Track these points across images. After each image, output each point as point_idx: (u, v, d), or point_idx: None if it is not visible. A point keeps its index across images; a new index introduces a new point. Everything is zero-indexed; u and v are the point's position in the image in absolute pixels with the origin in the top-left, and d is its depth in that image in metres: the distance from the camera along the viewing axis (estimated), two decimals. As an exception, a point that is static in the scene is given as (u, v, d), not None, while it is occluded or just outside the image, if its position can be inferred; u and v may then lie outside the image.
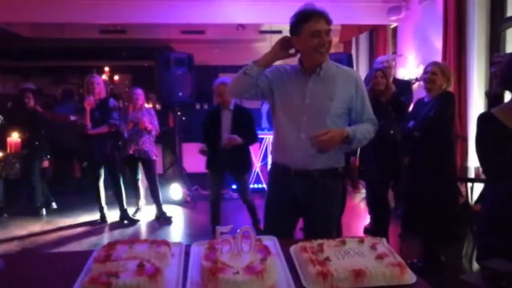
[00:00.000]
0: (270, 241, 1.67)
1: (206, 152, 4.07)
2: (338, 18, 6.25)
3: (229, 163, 4.05)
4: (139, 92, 4.93)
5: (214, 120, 4.09)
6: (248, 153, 4.24)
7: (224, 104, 4.07)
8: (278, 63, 2.17)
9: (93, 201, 5.01)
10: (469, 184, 3.88)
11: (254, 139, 4.17)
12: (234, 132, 3.96)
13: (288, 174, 2.15)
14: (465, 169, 4.07)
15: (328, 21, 2.01)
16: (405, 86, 4.39)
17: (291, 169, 2.14)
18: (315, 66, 2.09)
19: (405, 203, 3.57)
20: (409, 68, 5.59)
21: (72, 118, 4.90)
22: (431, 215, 3.21)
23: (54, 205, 5.44)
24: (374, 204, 3.93)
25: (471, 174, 3.77)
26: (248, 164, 4.26)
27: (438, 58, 4.57)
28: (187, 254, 1.58)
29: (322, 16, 2.00)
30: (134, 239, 2.36)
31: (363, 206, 5.43)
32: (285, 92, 2.14)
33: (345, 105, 2.09)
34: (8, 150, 1.71)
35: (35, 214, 5.19)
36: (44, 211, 5.27)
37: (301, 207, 2.19)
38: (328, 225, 2.19)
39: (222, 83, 3.98)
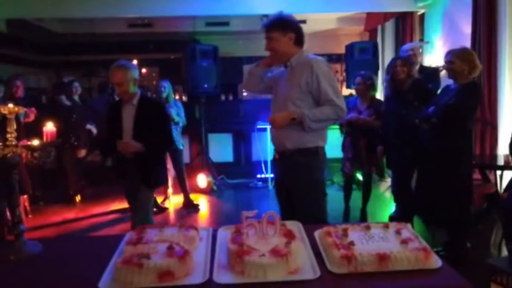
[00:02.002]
0: (295, 226, 1.71)
1: (100, 161, 3.30)
2: (365, 6, 6.18)
3: (135, 174, 2.97)
4: (163, 84, 5.02)
5: (115, 117, 3.02)
6: (158, 163, 3.11)
7: (124, 95, 2.98)
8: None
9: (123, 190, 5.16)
10: (498, 172, 3.80)
11: (164, 144, 3.09)
12: (136, 133, 2.92)
13: (275, 156, 2.54)
14: (494, 157, 3.98)
15: (267, 30, 2.39)
16: (432, 73, 4.31)
17: (275, 151, 2.53)
18: (287, 61, 2.42)
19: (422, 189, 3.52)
20: (437, 55, 5.47)
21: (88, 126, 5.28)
22: (447, 203, 3.16)
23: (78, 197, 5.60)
24: (399, 192, 3.91)
25: (501, 162, 3.70)
26: (155, 178, 3.07)
27: (467, 44, 4.46)
28: (214, 238, 1.64)
29: (262, 26, 2.42)
30: (164, 224, 2.42)
31: (388, 195, 5.39)
32: (275, 84, 2.53)
33: (304, 90, 2.33)
34: (45, 139, 1.79)
35: (69, 202, 5.40)
36: (77, 199, 5.48)
37: (285, 187, 2.48)
38: (309, 203, 2.37)
39: (117, 68, 2.93)
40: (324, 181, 2.51)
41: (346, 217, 4.46)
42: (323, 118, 2.31)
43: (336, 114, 2.32)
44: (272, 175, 5.98)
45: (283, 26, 2.37)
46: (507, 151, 3.70)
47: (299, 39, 2.41)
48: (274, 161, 2.59)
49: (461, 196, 3.14)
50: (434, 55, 5.57)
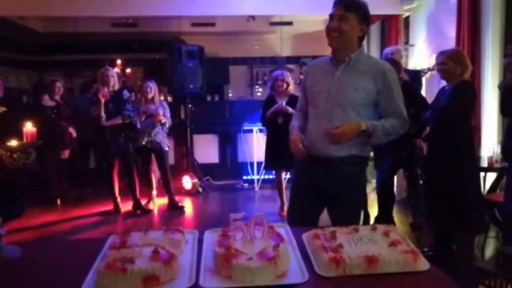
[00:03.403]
0: (283, 229, 1.68)
1: None
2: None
3: None
4: (149, 85, 4.98)
5: None
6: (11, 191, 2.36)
7: None
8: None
9: (106, 192, 5.09)
10: (482, 174, 3.85)
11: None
12: None
13: (310, 160, 2.18)
14: (478, 158, 4.03)
15: (345, 8, 2.02)
16: (414, 76, 4.35)
17: (312, 155, 2.16)
18: (344, 56, 2.09)
19: (423, 192, 3.56)
20: (422, 58, 5.53)
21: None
22: (447, 204, 3.18)
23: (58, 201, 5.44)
24: (380, 192, 3.96)
25: (484, 163, 3.74)
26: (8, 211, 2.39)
27: (451, 47, 4.51)
28: (200, 241, 1.60)
29: (339, 1, 2.05)
30: (149, 226, 2.38)
31: (373, 196, 5.42)
32: (314, 82, 2.20)
33: (370, 97, 2.08)
34: (24, 140, 1.72)
35: (50, 204, 5.28)
36: (59, 201, 5.36)
37: (322, 193, 2.20)
38: (351, 211, 2.19)
39: None
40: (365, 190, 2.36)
41: None
42: (392, 132, 2.07)
43: (402, 128, 2.10)
44: (258, 177, 5.97)
45: (364, 14, 2.07)
46: (490, 153, 3.76)
47: (363, 37, 2.14)
48: (306, 163, 2.23)
49: (469, 200, 3.15)
50: (418, 58, 5.64)
